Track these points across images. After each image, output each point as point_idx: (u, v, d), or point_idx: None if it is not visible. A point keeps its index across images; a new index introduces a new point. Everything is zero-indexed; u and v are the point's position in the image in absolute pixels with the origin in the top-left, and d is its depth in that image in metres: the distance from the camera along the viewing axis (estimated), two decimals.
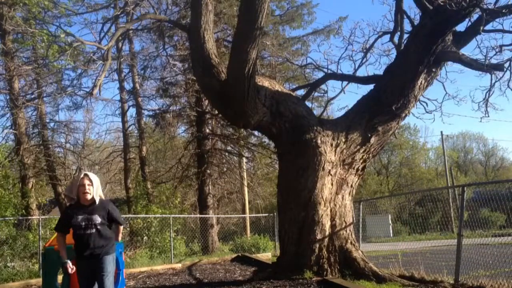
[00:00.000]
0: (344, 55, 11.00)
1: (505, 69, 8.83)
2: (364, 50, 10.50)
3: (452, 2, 7.51)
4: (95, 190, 4.65)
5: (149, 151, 23.31)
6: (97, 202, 4.67)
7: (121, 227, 5.08)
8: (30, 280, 10.31)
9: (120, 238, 5.04)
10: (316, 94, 14.98)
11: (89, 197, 4.61)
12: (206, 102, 17.02)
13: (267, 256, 14.26)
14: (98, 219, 4.59)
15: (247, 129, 13.14)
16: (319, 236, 7.81)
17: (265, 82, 8.42)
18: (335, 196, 8.21)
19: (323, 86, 11.55)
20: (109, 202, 4.85)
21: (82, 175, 4.68)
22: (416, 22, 9.01)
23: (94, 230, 4.56)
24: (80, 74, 17.09)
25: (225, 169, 19.84)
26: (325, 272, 7.60)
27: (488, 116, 9.62)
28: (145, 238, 15.59)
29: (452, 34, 8.57)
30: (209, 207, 17.88)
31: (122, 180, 24.43)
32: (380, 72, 9.79)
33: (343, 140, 8.49)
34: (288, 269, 7.77)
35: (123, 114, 22.31)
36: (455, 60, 8.86)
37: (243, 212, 22.88)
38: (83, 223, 4.56)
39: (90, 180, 4.64)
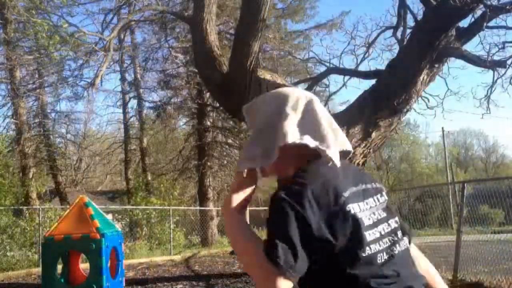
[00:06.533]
0: (347, 49, 10.99)
1: (507, 66, 8.80)
2: (367, 45, 10.47)
3: None
4: None
5: (150, 142, 23.32)
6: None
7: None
8: (31, 269, 10.36)
9: None
10: (317, 88, 14.94)
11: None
12: (208, 94, 17.01)
13: None
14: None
15: None
16: None
17: (266, 76, 8.40)
18: None
19: (324, 80, 11.53)
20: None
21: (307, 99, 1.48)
22: (419, 17, 8.96)
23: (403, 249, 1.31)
24: (81, 65, 17.07)
25: (225, 162, 19.86)
26: None
27: (490, 113, 9.60)
28: (144, 229, 15.64)
29: (455, 30, 8.52)
30: (209, 200, 17.93)
31: (123, 171, 24.49)
32: (382, 67, 9.76)
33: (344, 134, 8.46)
34: None
35: (124, 105, 22.33)
36: (458, 56, 8.82)
37: None
38: (381, 234, 1.28)
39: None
